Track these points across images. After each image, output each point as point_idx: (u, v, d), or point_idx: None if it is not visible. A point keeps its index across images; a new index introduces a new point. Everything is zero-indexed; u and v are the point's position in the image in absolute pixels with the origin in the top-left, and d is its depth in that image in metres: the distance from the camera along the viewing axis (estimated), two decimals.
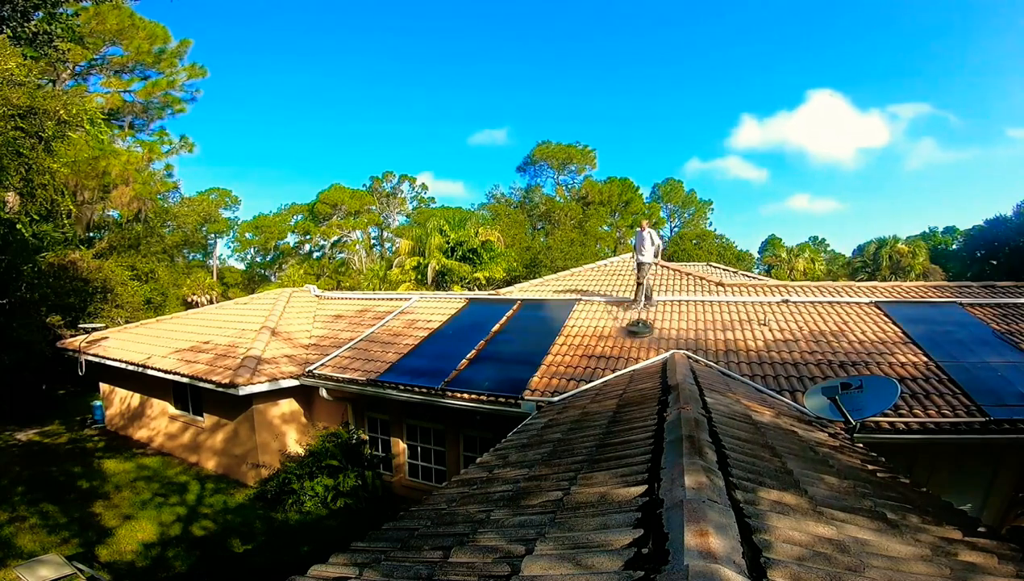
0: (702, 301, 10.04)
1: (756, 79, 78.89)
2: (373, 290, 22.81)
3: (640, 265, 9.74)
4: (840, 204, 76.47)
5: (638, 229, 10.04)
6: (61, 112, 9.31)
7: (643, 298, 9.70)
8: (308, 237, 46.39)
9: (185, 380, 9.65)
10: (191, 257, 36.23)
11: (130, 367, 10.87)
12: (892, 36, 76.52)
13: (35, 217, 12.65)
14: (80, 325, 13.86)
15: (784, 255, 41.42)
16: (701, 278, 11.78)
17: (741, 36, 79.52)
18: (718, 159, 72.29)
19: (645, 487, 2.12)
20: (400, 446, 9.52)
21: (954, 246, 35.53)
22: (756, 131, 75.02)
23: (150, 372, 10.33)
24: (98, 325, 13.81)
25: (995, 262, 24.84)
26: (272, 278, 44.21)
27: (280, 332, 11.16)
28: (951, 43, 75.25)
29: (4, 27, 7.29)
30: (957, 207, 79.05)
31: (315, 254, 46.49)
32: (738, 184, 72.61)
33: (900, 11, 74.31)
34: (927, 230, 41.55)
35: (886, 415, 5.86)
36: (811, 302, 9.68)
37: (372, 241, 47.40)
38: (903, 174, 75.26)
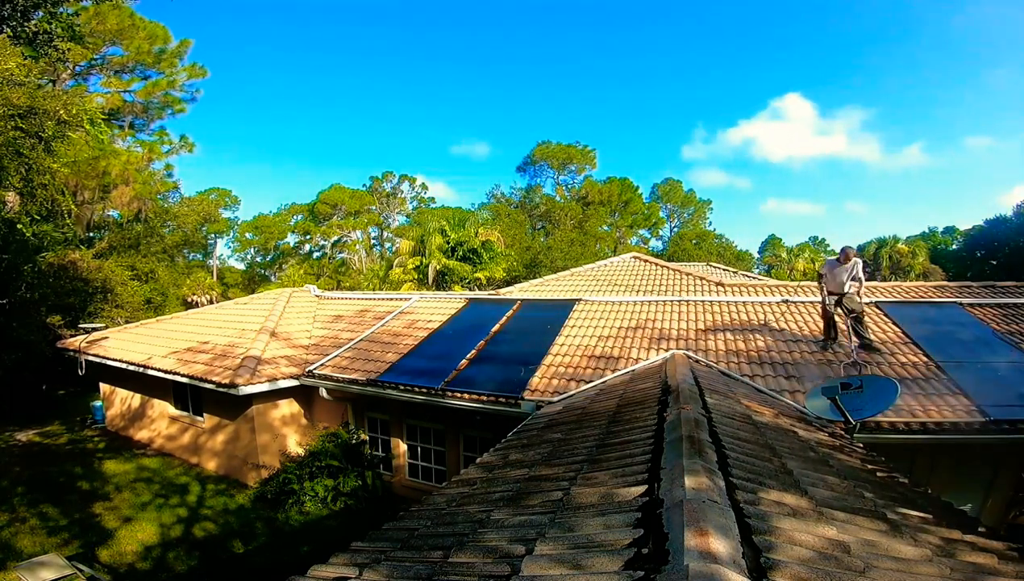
0: (702, 301, 10.04)
1: (720, 87, 78.95)
2: (373, 290, 22.82)
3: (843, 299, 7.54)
4: (813, 206, 76.74)
5: (838, 259, 7.65)
6: (61, 112, 9.31)
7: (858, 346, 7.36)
8: (308, 237, 46.39)
9: (185, 380, 9.65)
10: (191, 257, 36.18)
11: (130, 367, 10.86)
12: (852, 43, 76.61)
13: (35, 217, 12.65)
14: (80, 325, 13.86)
15: (784, 255, 41.50)
16: (701, 278, 11.78)
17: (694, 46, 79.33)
18: (697, 169, 72.84)
19: (645, 487, 2.12)
20: (400, 446, 9.52)
21: (954, 246, 35.52)
22: (723, 137, 75.27)
23: (150, 372, 10.33)
24: (98, 325, 13.81)
25: (995, 262, 24.87)
26: (272, 278, 44.21)
27: (280, 332, 11.16)
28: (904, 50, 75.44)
29: (4, 27, 7.29)
30: (921, 210, 79.72)
31: (315, 254, 46.50)
32: (708, 190, 73.11)
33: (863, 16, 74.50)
34: (927, 230, 41.56)
35: (886, 415, 5.85)
36: (811, 302, 9.67)
37: (372, 241, 47.41)
38: (872, 177, 75.64)
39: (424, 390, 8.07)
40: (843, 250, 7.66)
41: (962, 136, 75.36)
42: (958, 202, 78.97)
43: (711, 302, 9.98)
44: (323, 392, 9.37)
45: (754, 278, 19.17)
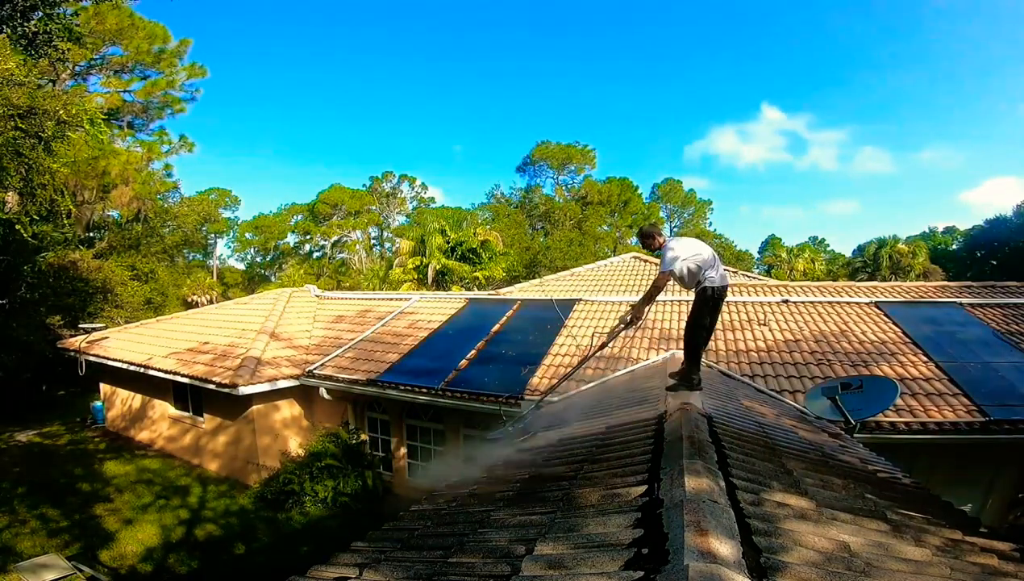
0: None
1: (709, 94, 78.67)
2: (373, 290, 22.82)
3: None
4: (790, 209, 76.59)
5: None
6: (61, 112, 9.30)
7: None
8: (308, 237, 46.37)
9: (185, 381, 9.65)
10: (191, 257, 36.25)
11: (131, 367, 10.87)
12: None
13: (34, 217, 12.64)
14: (80, 325, 13.86)
15: (784, 255, 41.49)
16: None
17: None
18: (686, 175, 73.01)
19: (645, 487, 2.12)
20: (400, 446, 9.52)
21: (954, 246, 35.62)
22: (703, 144, 75.16)
23: (151, 372, 10.33)
24: (98, 325, 13.81)
25: (995, 262, 24.92)
26: (272, 278, 44.19)
27: (280, 333, 11.16)
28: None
29: (4, 27, 7.29)
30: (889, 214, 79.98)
31: (315, 254, 46.48)
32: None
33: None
34: (927, 230, 41.65)
35: (886, 415, 5.86)
36: (811, 302, 9.68)
37: (372, 241, 47.39)
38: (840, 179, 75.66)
39: (424, 390, 8.06)
40: (643, 232, 4.67)
41: (920, 140, 76.64)
42: (921, 203, 80.00)
43: None
44: (323, 392, 9.37)
45: (754, 278, 19.16)
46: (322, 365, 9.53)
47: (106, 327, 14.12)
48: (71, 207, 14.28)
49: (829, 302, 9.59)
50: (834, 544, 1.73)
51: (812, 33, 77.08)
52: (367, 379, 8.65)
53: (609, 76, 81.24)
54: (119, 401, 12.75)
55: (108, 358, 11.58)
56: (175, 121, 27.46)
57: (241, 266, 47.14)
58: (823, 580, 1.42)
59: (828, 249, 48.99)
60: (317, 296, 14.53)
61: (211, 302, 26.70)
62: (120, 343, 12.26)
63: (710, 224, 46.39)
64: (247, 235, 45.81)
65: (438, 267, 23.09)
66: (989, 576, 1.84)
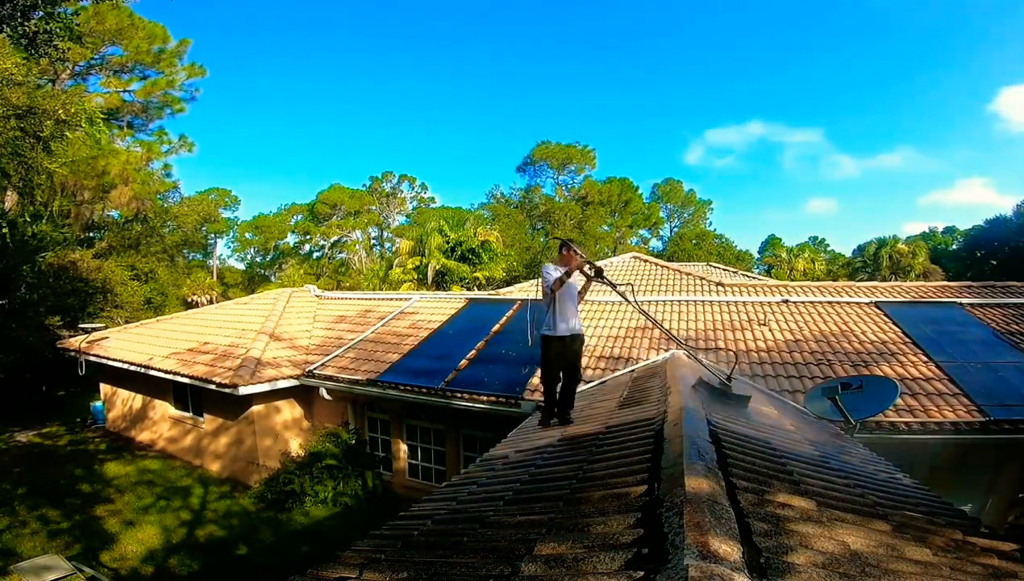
0: (702, 301, 10.04)
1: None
2: (373, 290, 22.81)
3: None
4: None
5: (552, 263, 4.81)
6: (60, 112, 9.31)
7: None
8: (308, 237, 46.39)
9: (186, 381, 9.64)
10: (191, 257, 36.20)
11: (131, 368, 10.86)
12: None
13: (27, 218, 12.63)
14: (80, 325, 13.86)
15: (784, 255, 41.48)
16: (701, 278, 11.78)
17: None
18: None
19: (645, 487, 2.12)
20: (400, 446, 9.52)
21: (954, 246, 35.65)
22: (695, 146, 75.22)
23: (151, 373, 10.33)
24: (98, 325, 13.81)
25: (995, 262, 24.91)
26: (272, 278, 44.17)
27: (280, 333, 11.15)
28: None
29: (4, 27, 7.28)
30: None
31: (315, 254, 46.48)
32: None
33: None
34: (927, 230, 41.71)
35: (886, 415, 5.86)
36: (811, 302, 9.68)
37: (372, 241, 47.39)
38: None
39: (424, 390, 8.07)
40: (564, 245, 4.55)
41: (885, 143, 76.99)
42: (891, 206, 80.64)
43: (711, 302, 9.98)
44: (324, 392, 9.37)
45: (754, 278, 19.17)
46: (322, 365, 9.53)
47: (106, 327, 14.11)
48: (65, 207, 14.29)
49: (829, 302, 9.59)
50: (837, 544, 1.73)
51: (794, 36, 77.32)
52: (367, 379, 8.65)
53: (609, 76, 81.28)
54: (119, 401, 12.75)
55: (108, 358, 11.58)
56: (175, 121, 27.48)
57: (241, 266, 47.18)
58: (824, 579, 1.42)
59: (828, 249, 48.99)
60: (317, 296, 14.53)
61: (211, 302, 26.67)
62: (120, 343, 12.25)
63: (710, 224, 46.42)
64: (247, 235, 45.84)
65: (438, 267, 23.08)
66: (990, 576, 1.84)
